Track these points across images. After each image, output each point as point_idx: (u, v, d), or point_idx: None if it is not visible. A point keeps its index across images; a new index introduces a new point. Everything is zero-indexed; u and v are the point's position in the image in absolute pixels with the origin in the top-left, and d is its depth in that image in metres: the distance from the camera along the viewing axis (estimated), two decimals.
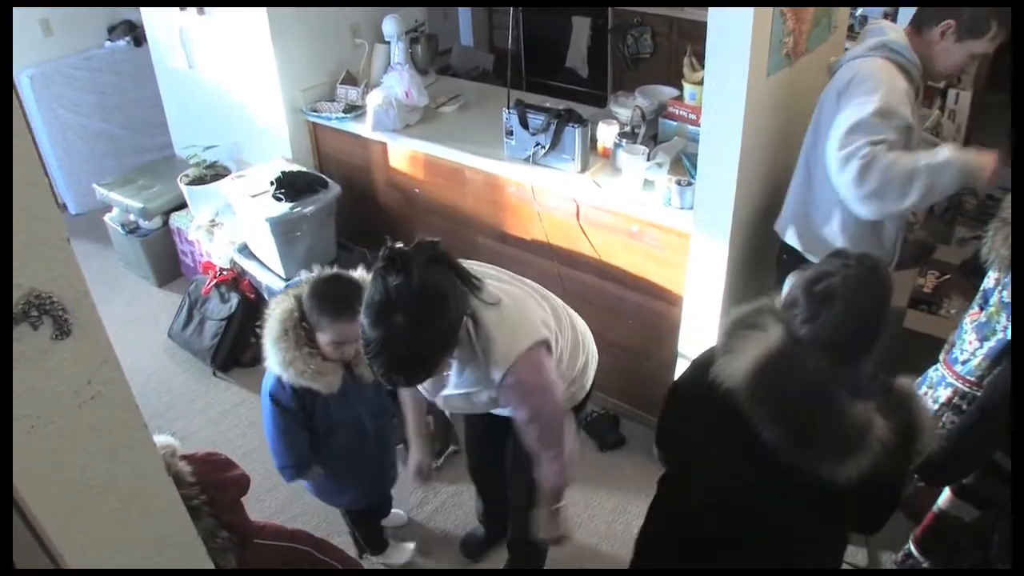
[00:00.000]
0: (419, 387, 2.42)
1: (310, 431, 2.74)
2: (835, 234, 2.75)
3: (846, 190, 2.55)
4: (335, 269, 2.67)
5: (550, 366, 2.25)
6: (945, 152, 2.49)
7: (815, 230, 2.83)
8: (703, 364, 2.02)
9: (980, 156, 2.53)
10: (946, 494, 2.51)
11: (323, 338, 2.54)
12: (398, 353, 1.92)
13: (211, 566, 1.79)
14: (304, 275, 2.65)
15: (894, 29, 2.67)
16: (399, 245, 1.94)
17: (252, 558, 2.54)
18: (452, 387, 2.29)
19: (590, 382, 2.64)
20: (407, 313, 1.87)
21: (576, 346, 2.54)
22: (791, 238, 2.91)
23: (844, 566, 3.05)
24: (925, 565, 2.62)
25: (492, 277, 2.31)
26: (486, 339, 2.10)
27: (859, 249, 1.99)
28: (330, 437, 2.77)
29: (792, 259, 2.86)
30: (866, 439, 1.74)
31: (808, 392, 1.79)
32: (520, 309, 2.23)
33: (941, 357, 2.59)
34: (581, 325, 2.65)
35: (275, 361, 2.54)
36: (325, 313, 2.50)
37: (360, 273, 2.69)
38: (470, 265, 2.25)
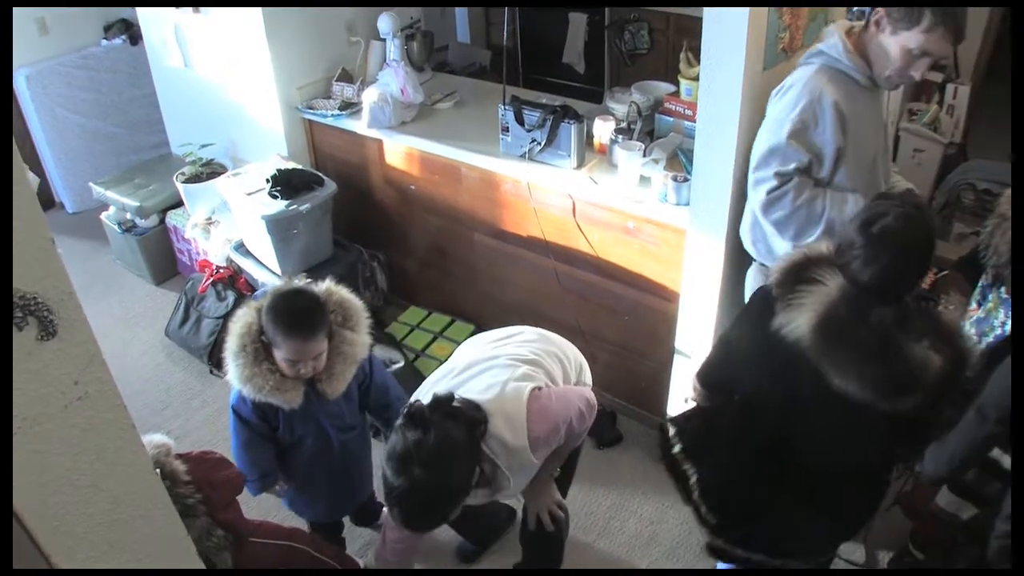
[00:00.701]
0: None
1: (276, 443, 2.72)
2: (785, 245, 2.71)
3: (757, 212, 2.64)
4: (298, 283, 2.64)
5: (550, 394, 2.44)
6: (850, 207, 2.48)
7: (768, 239, 2.78)
8: (757, 312, 2.21)
9: None
10: (944, 491, 2.51)
11: (278, 354, 2.49)
12: (418, 502, 2.13)
13: (201, 566, 1.78)
14: (269, 286, 2.62)
15: (833, 33, 2.56)
16: (418, 402, 2.25)
17: (248, 557, 2.53)
18: (506, 498, 2.58)
19: (589, 380, 2.78)
20: (425, 466, 2.08)
21: (564, 364, 2.66)
22: (748, 245, 2.87)
23: (843, 565, 3.05)
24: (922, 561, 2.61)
25: (469, 369, 2.52)
26: (502, 448, 2.29)
27: None
28: (295, 450, 2.75)
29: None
30: (926, 376, 1.90)
31: (873, 340, 1.93)
32: (500, 395, 2.36)
33: None
34: (557, 347, 2.72)
35: (234, 376, 2.51)
36: (279, 330, 2.46)
37: (326, 285, 2.66)
38: (453, 368, 2.54)
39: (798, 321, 2.00)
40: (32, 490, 1.27)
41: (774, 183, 2.53)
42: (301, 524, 3.13)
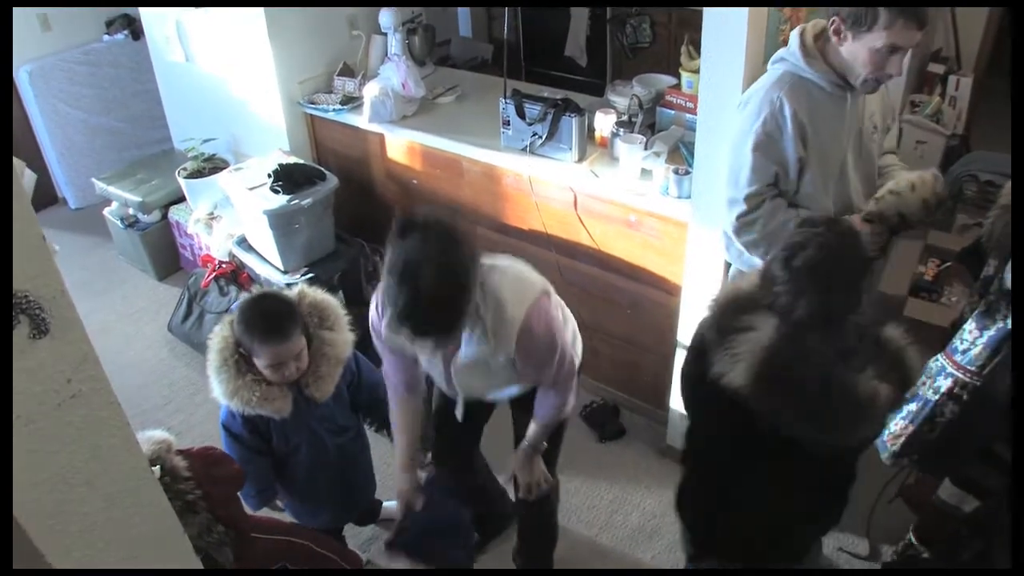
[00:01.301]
0: (432, 372, 2.49)
1: (271, 455, 2.69)
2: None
3: (728, 231, 2.61)
4: (265, 289, 2.63)
5: (556, 314, 2.39)
6: None
7: (742, 253, 2.72)
8: (696, 353, 2.14)
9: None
10: (946, 484, 2.50)
11: (259, 362, 2.47)
12: (427, 306, 1.98)
13: (199, 564, 1.78)
14: (243, 298, 2.60)
15: (794, 38, 2.47)
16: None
17: (249, 552, 2.54)
18: (464, 357, 2.33)
19: (580, 353, 2.70)
20: (429, 265, 1.97)
21: (564, 317, 2.61)
22: (722, 250, 2.83)
23: (846, 558, 3.04)
24: (925, 555, 2.61)
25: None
26: (495, 301, 2.22)
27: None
28: (292, 459, 2.72)
29: None
30: (875, 408, 1.84)
31: (816, 381, 1.84)
32: (517, 267, 2.35)
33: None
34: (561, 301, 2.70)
35: (220, 392, 2.48)
36: (255, 337, 2.44)
37: (298, 289, 2.66)
38: None
39: (735, 372, 1.91)
40: (26, 489, 1.27)
41: (744, 208, 2.51)
42: None
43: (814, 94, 2.44)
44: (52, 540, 1.33)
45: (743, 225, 2.51)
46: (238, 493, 2.62)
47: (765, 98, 2.44)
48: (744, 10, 2.54)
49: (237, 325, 2.48)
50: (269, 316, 2.47)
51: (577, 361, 2.57)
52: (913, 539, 2.64)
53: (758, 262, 2.50)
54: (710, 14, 2.64)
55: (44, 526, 1.31)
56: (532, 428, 2.57)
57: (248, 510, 2.71)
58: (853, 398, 1.83)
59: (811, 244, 1.89)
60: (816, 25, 2.49)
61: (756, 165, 2.46)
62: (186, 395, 4.16)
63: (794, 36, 2.47)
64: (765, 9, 2.63)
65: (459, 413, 2.58)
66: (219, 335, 2.50)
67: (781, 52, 2.50)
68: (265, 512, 2.81)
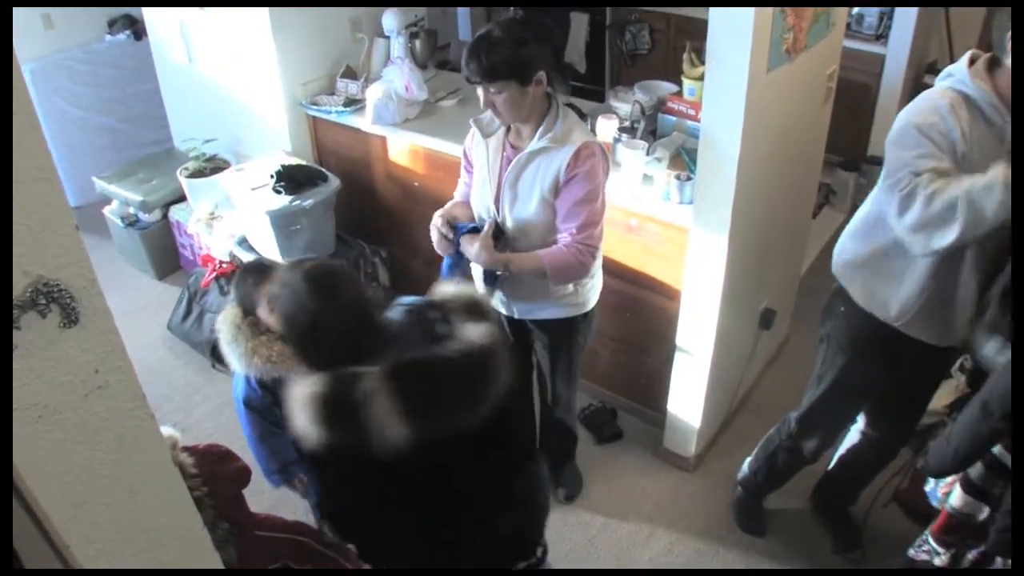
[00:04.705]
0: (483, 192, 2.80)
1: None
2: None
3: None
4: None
5: (603, 167, 2.69)
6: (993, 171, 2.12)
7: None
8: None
9: None
10: (957, 492, 2.50)
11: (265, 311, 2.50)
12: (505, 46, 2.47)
13: (216, 556, 1.79)
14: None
15: (963, 58, 2.31)
16: None
17: (252, 550, 2.55)
18: (530, 148, 2.65)
19: (594, 301, 2.98)
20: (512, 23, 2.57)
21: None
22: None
23: (842, 562, 3.06)
24: (941, 558, 2.60)
25: None
26: (570, 120, 2.66)
27: None
28: None
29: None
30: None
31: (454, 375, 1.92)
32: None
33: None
34: None
35: (236, 358, 2.47)
36: (253, 281, 2.46)
37: None
38: None
39: (391, 434, 1.78)
40: (52, 479, 1.28)
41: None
42: (306, 517, 3.16)
43: (973, 113, 2.26)
44: (76, 530, 1.34)
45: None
46: (264, 472, 2.70)
47: (931, 99, 2.31)
48: (750, 18, 2.57)
49: (238, 291, 2.51)
50: (262, 266, 2.56)
51: (599, 244, 2.77)
52: (931, 540, 2.63)
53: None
54: (716, 22, 2.67)
55: (68, 516, 1.32)
56: (524, 253, 2.74)
57: (268, 487, 2.76)
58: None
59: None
60: (988, 58, 2.30)
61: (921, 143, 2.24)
62: (185, 394, 4.18)
63: (963, 58, 2.31)
64: (770, 19, 2.66)
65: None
66: (225, 314, 2.52)
67: (949, 68, 2.35)
68: (270, 499, 2.81)
